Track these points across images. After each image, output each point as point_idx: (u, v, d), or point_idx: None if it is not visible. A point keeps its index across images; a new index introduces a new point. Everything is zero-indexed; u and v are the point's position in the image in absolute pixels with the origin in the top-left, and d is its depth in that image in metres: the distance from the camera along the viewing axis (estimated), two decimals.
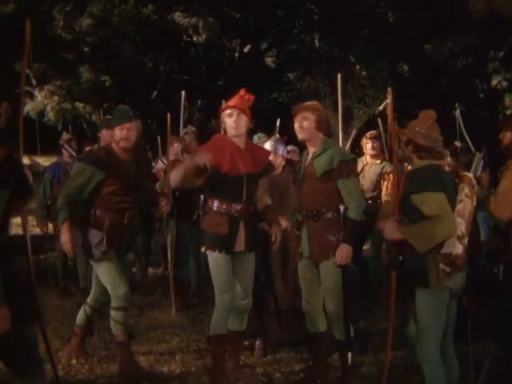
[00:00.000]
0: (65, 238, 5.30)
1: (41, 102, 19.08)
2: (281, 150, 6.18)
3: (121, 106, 5.61)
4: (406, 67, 16.51)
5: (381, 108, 4.59)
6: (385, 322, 6.18)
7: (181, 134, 7.64)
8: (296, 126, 5.22)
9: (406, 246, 4.25)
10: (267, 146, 6.04)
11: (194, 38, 16.63)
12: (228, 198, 5.14)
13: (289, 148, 6.90)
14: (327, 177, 5.07)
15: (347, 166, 5.07)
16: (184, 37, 16.64)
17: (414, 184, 4.27)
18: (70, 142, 8.31)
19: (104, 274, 5.39)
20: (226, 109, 5.19)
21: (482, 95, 20.46)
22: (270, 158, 5.76)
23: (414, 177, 4.33)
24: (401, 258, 4.36)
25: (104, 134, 6.79)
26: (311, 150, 5.24)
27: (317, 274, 5.21)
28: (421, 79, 16.69)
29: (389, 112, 4.61)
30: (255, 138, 6.55)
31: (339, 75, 6.00)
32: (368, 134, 7.76)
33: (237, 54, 18.14)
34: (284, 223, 5.52)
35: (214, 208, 5.18)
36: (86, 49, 17.99)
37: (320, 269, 5.16)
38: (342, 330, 5.16)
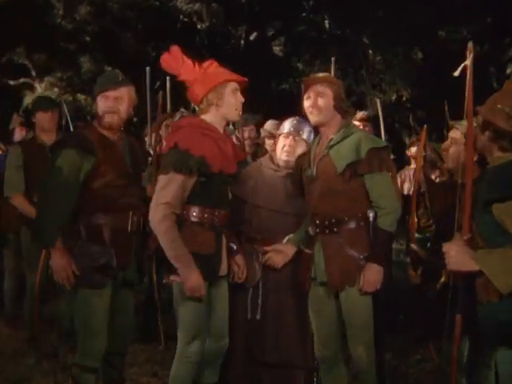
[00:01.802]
0: (60, 263, 3.91)
1: (41, 93, 18.54)
2: (305, 133, 4.72)
3: (109, 70, 4.46)
4: (420, 54, 15.93)
5: (457, 73, 3.44)
6: (430, 367, 5.25)
7: (148, 122, 6.39)
8: (308, 104, 4.13)
9: (480, 281, 2.92)
10: (286, 126, 4.73)
11: (198, 25, 16.05)
12: (211, 204, 3.97)
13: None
14: (352, 172, 3.97)
15: (379, 155, 3.97)
16: (187, 24, 16.06)
17: (495, 188, 2.92)
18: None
19: (83, 312, 4.00)
20: (230, 81, 4.04)
21: (495, 84, 20.00)
22: (289, 143, 4.63)
23: (495, 177, 2.97)
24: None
25: (40, 119, 5.76)
26: (325, 136, 4.14)
27: (335, 307, 4.12)
28: (435, 67, 16.08)
29: (468, 79, 3.26)
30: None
31: (333, 59, 5.23)
32: (358, 116, 6.64)
33: (242, 42, 17.49)
34: (289, 249, 4.36)
35: (192, 218, 3.95)
36: (87, 38, 17.43)
37: (342, 299, 4.05)
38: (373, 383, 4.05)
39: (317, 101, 4.12)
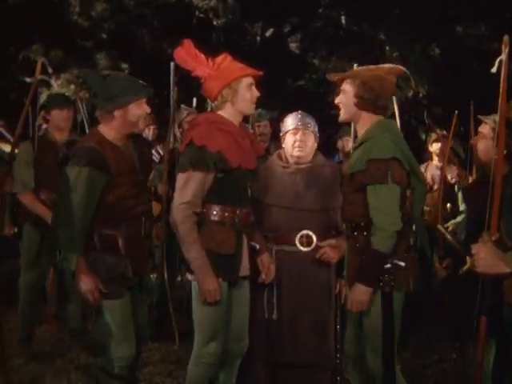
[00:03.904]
0: (87, 284, 3.88)
1: (57, 91, 18.54)
2: (311, 126, 4.66)
3: (122, 75, 4.32)
4: (437, 50, 15.74)
5: (494, 69, 3.31)
6: (450, 368, 5.10)
7: (171, 119, 6.29)
8: (335, 101, 4.05)
9: (507, 282, 2.89)
10: (291, 121, 4.63)
11: (214, 22, 16.01)
12: (232, 202, 3.92)
13: None
14: (356, 181, 3.85)
15: (380, 167, 3.76)
16: (203, 20, 16.01)
17: None
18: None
19: (108, 322, 3.94)
20: (247, 75, 4.02)
21: None
22: (299, 138, 4.55)
23: None
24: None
25: (56, 117, 5.78)
26: (359, 135, 4.05)
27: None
28: (452, 63, 15.90)
29: (502, 74, 3.11)
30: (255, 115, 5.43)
31: (355, 66, 5.14)
32: None
33: (259, 38, 17.42)
34: (343, 244, 4.22)
35: (213, 217, 3.89)
36: (103, 35, 17.42)
37: None
38: None
39: (339, 98, 4.05)
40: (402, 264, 3.90)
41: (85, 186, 3.84)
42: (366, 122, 3.96)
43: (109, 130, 4.04)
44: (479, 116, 4.07)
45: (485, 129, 4.01)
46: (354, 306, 3.84)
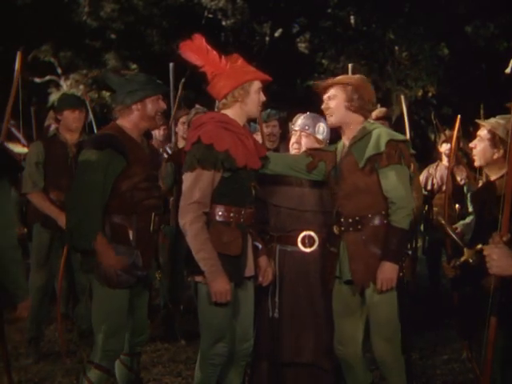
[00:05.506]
0: (109, 259, 3.82)
1: (66, 91, 18.61)
2: (321, 129, 4.60)
3: (132, 74, 4.33)
4: (446, 50, 15.70)
5: (508, 70, 3.29)
6: (459, 367, 5.13)
7: (172, 116, 6.20)
8: (323, 107, 4.10)
9: None
10: (299, 123, 4.59)
11: (223, 22, 16.06)
12: (237, 202, 3.85)
13: None
14: (372, 166, 3.91)
15: (396, 149, 3.91)
16: (212, 20, 16.07)
17: None
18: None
19: (104, 312, 3.91)
20: (257, 79, 3.99)
21: None
22: (296, 140, 4.52)
23: None
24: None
25: (67, 118, 5.66)
26: (346, 137, 4.08)
27: (360, 305, 4.04)
28: (462, 63, 15.88)
29: None
30: (263, 116, 5.53)
31: (350, 65, 5.11)
32: (374, 114, 5.84)
33: (268, 39, 17.46)
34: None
35: (218, 217, 3.81)
36: (112, 35, 17.48)
37: (367, 296, 3.96)
38: None
39: (328, 104, 4.10)
40: (410, 252, 4.08)
41: (104, 166, 3.85)
42: (354, 125, 4.08)
43: (126, 124, 4.05)
44: (477, 120, 4.11)
45: (482, 132, 4.06)
46: (384, 284, 3.89)
